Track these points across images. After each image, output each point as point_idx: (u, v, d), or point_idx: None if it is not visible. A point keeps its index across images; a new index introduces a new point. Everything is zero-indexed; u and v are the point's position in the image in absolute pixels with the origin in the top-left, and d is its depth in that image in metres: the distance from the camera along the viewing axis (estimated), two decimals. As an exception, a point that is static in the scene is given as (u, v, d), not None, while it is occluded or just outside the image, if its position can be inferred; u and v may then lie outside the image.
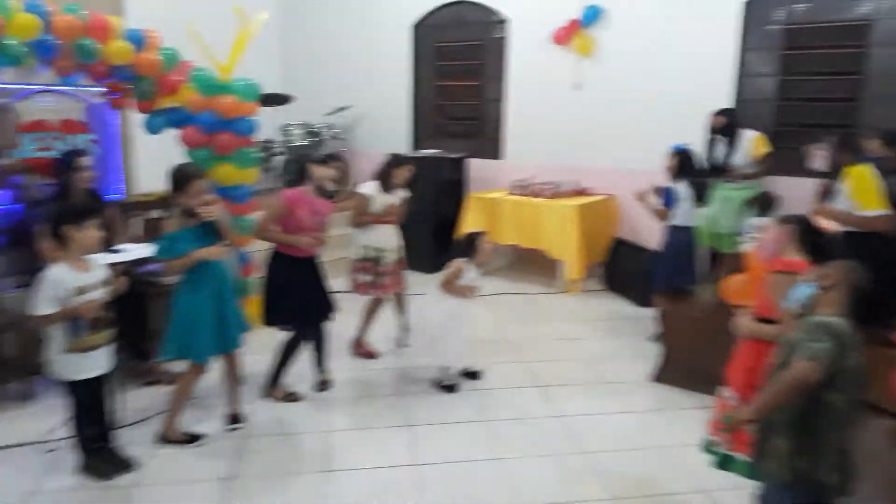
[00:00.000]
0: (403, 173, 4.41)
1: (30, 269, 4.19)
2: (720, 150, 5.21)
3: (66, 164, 4.05)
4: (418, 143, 7.91)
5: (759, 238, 3.39)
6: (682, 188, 4.63)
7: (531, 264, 7.06)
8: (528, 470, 3.21)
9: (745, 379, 2.63)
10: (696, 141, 5.21)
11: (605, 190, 6.58)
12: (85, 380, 2.95)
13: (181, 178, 3.20)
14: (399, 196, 4.49)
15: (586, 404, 3.91)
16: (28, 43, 3.96)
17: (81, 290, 2.84)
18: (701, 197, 4.65)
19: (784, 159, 5.38)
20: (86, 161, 4.09)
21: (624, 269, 6.14)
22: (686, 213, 4.64)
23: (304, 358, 4.12)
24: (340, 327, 4.77)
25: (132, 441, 3.31)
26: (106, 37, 4.29)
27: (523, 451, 3.37)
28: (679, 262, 4.68)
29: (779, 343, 2.27)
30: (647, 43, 6.19)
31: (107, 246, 3.83)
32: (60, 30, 4.07)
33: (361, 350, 4.61)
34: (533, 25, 6.82)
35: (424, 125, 7.96)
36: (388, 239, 4.44)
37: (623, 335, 5.08)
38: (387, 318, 4.77)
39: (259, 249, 4.78)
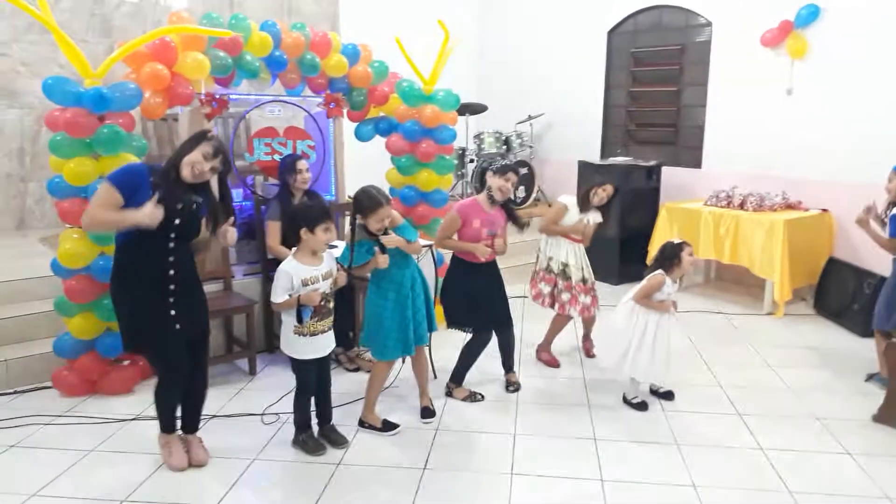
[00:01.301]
0: (601, 193, 4.34)
1: (257, 260, 4.74)
2: None
3: (287, 167, 4.45)
4: (608, 150, 7.75)
5: None
6: None
7: (731, 282, 6.63)
8: (724, 502, 3.00)
9: None
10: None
11: (818, 204, 5.99)
12: (307, 361, 3.27)
13: (368, 203, 3.29)
14: (593, 218, 4.43)
15: (792, 439, 3.56)
16: (262, 58, 4.46)
17: (307, 282, 3.17)
18: None
19: None
20: (304, 164, 4.48)
21: (839, 293, 5.54)
22: None
23: (492, 360, 4.21)
24: (527, 334, 4.83)
25: (336, 422, 3.57)
26: (326, 52, 4.70)
27: (719, 482, 3.14)
28: None
29: None
30: (871, 44, 5.55)
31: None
32: (289, 46, 4.53)
33: (545, 357, 4.60)
34: (739, 27, 6.40)
35: (615, 132, 7.77)
36: (573, 256, 4.39)
37: (835, 367, 4.57)
38: (576, 327, 4.71)
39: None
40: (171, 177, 2.89)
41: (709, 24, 6.73)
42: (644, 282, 3.83)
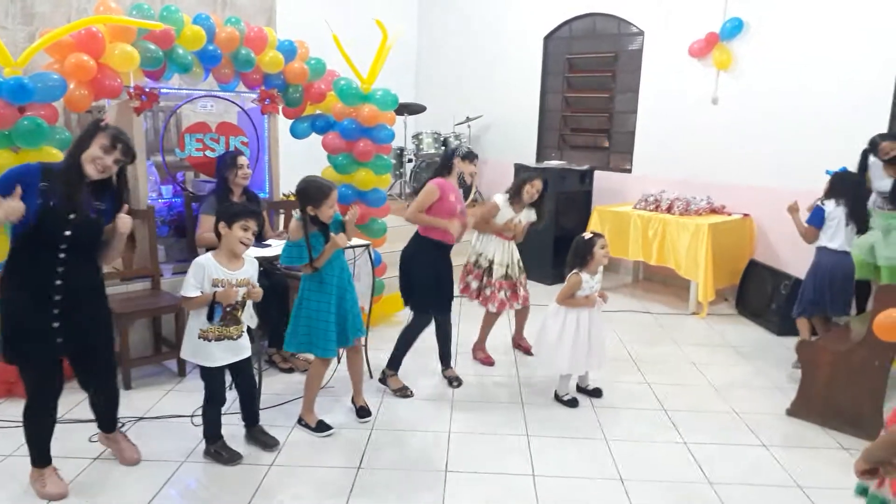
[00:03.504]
0: (531, 190, 4.42)
1: (186, 258, 4.62)
2: (881, 178, 4.73)
3: (226, 163, 4.36)
4: (543, 153, 7.90)
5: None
6: (833, 208, 4.32)
7: (658, 283, 6.86)
8: (650, 494, 3.11)
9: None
10: (846, 162, 4.87)
11: (740, 209, 6.28)
12: (216, 368, 3.14)
13: (317, 192, 3.26)
14: (524, 216, 4.51)
15: (714, 433, 3.73)
16: (195, 52, 4.36)
17: (218, 283, 3.04)
18: (858, 223, 4.33)
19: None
20: (244, 160, 4.39)
21: (758, 294, 5.83)
22: (836, 235, 4.33)
23: (426, 356, 4.24)
24: (462, 334, 4.88)
25: (266, 423, 3.52)
26: (262, 47, 4.63)
27: (644, 475, 3.26)
28: (825, 288, 4.37)
29: None
30: (790, 57, 5.87)
31: (258, 240, 4.13)
32: (223, 41, 4.44)
33: (481, 356, 4.67)
34: (669, 38, 6.65)
35: (550, 136, 7.94)
36: (501, 253, 4.47)
37: (755, 363, 4.81)
38: (510, 325, 4.79)
39: (390, 252, 4.98)
40: (72, 178, 2.66)
41: (641, 33, 6.96)
42: (564, 283, 3.93)
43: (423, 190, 4.00)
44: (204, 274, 3.03)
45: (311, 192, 3.28)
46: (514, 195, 4.42)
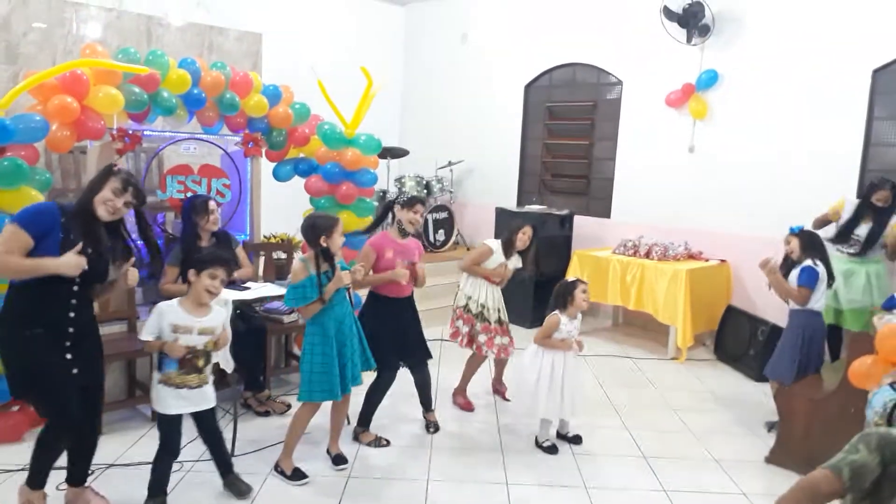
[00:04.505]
0: (523, 237, 4.46)
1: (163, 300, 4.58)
2: (861, 224, 4.85)
3: (196, 208, 4.21)
4: (524, 198, 8.00)
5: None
6: (821, 268, 4.11)
7: (637, 327, 6.90)
8: (630, 544, 3.09)
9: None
10: (816, 209, 5.00)
11: (717, 254, 6.37)
12: (173, 416, 3.06)
13: (325, 222, 3.36)
14: (513, 262, 4.54)
15: (694, 480, 3.72)
16: (180, 95, 4.40)
17: (177, 329, 2.99)
18: (831, 276, 4.20)
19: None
20: (212, 205, 4.27)
21: (736, 340, 5.88)
22: (823, 296, 4.18)
23: (404, 402, 4.20)
24: (442, 379, 4.85)
25: (242, 470, 3.44)
26: (247, 91, 4.68)
27: (625, 523, 3.25)
28: (811, 352, 4.18)
29: None
30: (764, 108, 6.05)
31: (235, 283, 4.10)
32: (208, 85, 4.48)
33: (461, 401, 4.63)
34: (647, 88, 6.83)
35: (531, 181, 8.05)
36: (490, 298, 4.48)
37: (733, 410, 4.82)
38: (490, 371, 4.78)
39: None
40: (85, 218, 2.78)
41: (619, 82, 7.14)
42: (543, 323, 3.96)
43: (360, 254, 3.97)
44: (162, 320, 3.00)
45: (320, 223, 3.36)
46: (507, 242, 4.47)
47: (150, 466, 3.12)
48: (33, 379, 2.82)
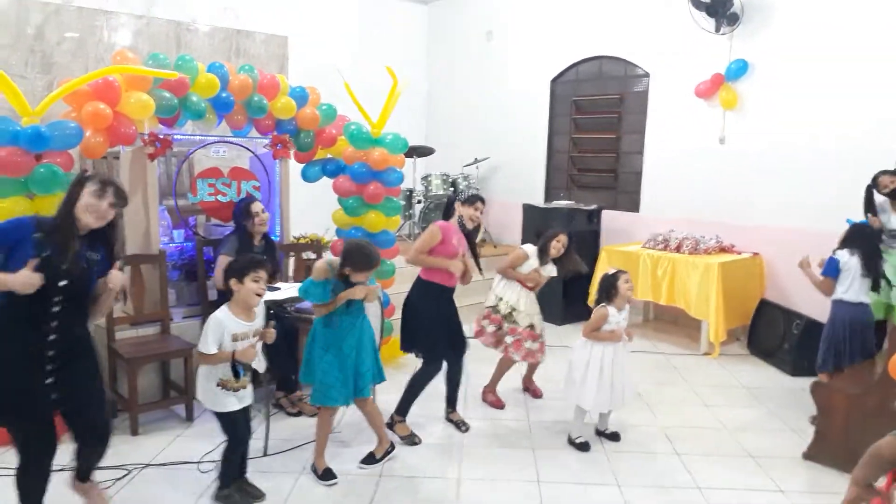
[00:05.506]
0: (558, 245, 4.42)
1: (197, 301, 4.65)
2: (888, 213, 4.76)
3: (242, 212, 4.37)
4: (552, 194, 7.96)
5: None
6: (847, 258, 4.21)
7: (669, 322, 6.81)
8: (665, 542, 3.06)
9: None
10: (852, 198, 4.88)
11: (750, 247, 6.26)
12: (236, 411, 3.13)
13: (362, 259, 3.32)
14: (548, 270, 4.52)
15: (730, 478, 3.66)
16: (208, 99, 4.45)
17: (237, 338, 3.05)
18: (871, 269, 4.18)
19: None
20: (259, 206, 4.39)
21: (770, 334, 5.77)
22: (852, 286, 4.18)
23: (433, 401, 4.20)
24: (470, 374, 4.84)
25: (274, 469, 3.49)
26: (274, 94, 4.72)
27: (659, 521, 3.21)
28: (844, 342, 4.18)
29: None
30: (795, 97, 5.91)
31: (268, 284, 4.14)
32: (236, 88, 4.53)
33: (491, 399, 4.63)
34: (675, 79, 6.72)
35: (558, 177, 8.00)
36: (522, 301, 4.46)
37: (769, 405, 4.74)
38: (521, 368, 4.76)
39: (398, 293, 4.97)
40: (66, 231, 2.58)
41: (647, 75, 7.05)
42: (591, 316, 3.95)
43: (425, 231, 4.03)
44: (223, 331, 3.03)
45: (356, 258, 3.32)
46: (541, 250, 4.45)
47: (185, 466, 3.16)
48: (3, 405, 2.61)
